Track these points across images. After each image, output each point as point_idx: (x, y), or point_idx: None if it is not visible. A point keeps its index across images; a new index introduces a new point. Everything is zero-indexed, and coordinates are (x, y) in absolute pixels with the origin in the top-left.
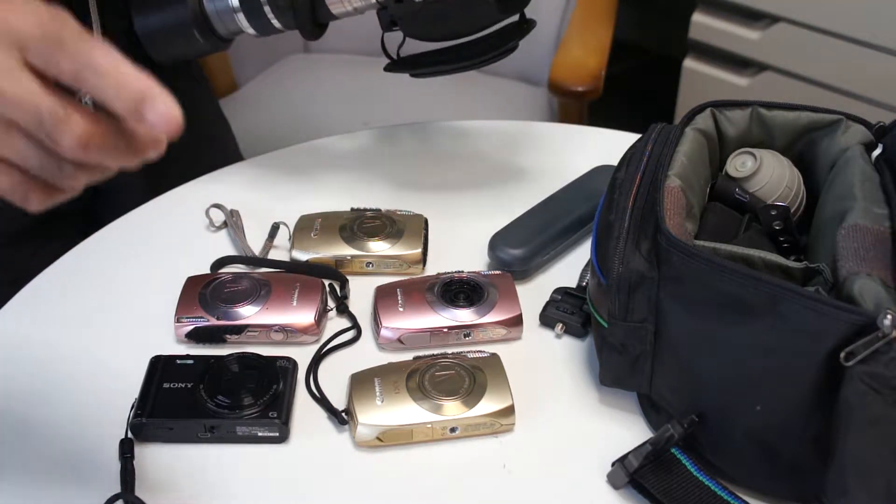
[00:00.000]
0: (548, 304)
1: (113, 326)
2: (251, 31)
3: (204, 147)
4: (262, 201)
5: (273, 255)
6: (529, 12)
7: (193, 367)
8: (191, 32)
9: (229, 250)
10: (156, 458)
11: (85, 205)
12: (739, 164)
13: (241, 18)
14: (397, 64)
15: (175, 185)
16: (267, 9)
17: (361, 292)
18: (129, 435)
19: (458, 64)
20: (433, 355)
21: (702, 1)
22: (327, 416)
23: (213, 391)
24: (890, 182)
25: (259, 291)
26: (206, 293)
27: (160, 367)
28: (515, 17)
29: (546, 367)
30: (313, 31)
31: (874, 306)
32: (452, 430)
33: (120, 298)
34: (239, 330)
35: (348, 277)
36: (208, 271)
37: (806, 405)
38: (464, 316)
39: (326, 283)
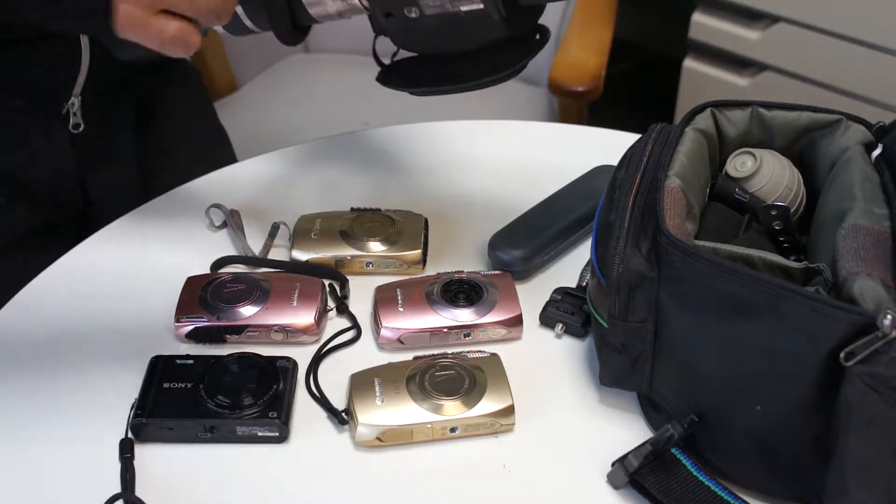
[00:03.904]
0: (548, 304)
1: (113, 326)
2: (220, 29)
3: (200, 161)
4: (262, 201)
5: (273, 255)
6: None
7: (193, 367)
8: None
9: (229, 250)
10: (156, 458)
11: (77, 216)
12: (739, 164)
13: None
14: (391, 79)
15: None
16: (238, 8)
17: (361, 292)
18: (129, 435)
19: (462, 84)
20: (433, 355)
21: (702, 1)
22: (327, 416)
23: (213, 391)
24: (890, 182)
25: (259, 291)
26: (206, 293)
27: (160, 367)
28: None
29: (546, 367)
30: (292, 35)
31: (874, 306)
32: (452, 430)
33: (120, 298)
34: (239, 330)
35: (348, 277)
36: (208, 271)
37: (806, 405)
38: (464, 316)
39: (326, 283)
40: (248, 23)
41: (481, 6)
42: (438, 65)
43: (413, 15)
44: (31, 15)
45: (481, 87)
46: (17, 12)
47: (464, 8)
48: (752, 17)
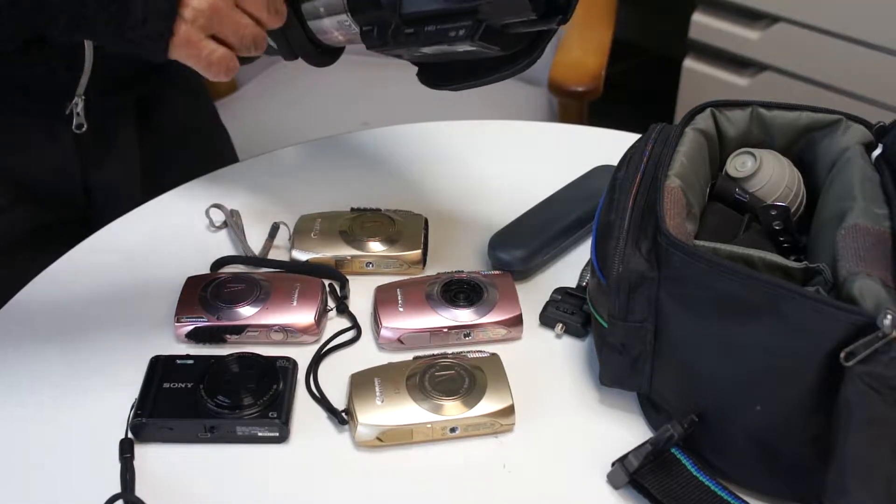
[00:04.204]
0: (548, 304)
1: (113, 326)
2: None
3: (201, 161)
4: (262, 201)
5: (273, 255)
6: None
7: (193, 367)
8: None
9: (229, 250)
10: (156, 458)
11: (79, 216)
12: (739, 164)
13: None
14: (428, 77)
15: None
16: None
17: (361, 292)
18: (129, 435)
19: (495, 75)
20: (433, 355)
21: (702, 1)
22: (327, 416)
23: (213, 391)
24: (890, 182)
25: (259, 291)
26: (206, 293)
27: (160, 367)
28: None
29: (546, 367)
30: (318, 58)
31: (874, 306)
32: (452, 430)
33: (120, 298)
34: (239, 330)
35: (348, 277)
36: (208, 271)
37: (806, 405)
38: (464, 316)
39: (326, 283)
40: (272, 44)
41: (474, 48)
42: (467, 66)
43: (417, 54)
44: (85, 37)
45: (518, 73)
46: (76, 33)
47: (459, 48)
48: (752, 17)
